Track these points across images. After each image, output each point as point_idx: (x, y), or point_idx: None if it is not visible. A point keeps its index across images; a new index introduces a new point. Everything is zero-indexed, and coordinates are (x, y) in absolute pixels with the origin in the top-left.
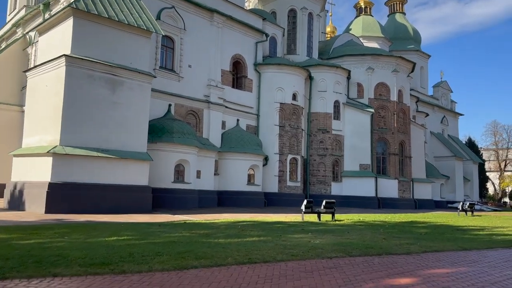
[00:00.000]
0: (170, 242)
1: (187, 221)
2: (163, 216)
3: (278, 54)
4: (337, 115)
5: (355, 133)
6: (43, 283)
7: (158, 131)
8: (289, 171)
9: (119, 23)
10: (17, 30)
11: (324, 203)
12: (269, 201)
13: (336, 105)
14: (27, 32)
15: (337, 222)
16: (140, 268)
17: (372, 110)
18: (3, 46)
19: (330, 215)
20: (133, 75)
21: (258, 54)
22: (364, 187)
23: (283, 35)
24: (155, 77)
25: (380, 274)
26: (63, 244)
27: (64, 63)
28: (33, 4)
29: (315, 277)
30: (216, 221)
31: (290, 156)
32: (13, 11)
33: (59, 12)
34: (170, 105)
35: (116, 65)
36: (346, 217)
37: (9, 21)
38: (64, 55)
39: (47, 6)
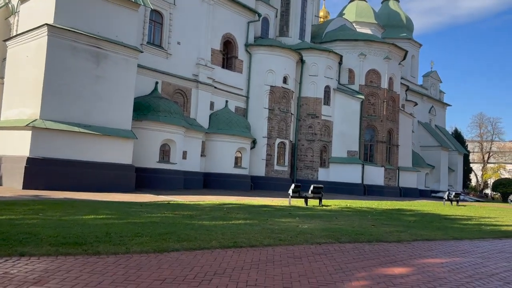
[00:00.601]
0: (151, 223)
1: (170, 202)
2: (146, 196)
3: (270, 36)
4: (327, 100)
5: (344, 119)
6: (8, 263)
7: (143, 108)
8: (277, 155)
9: None
10: None
11: (311, 188)
12: (256, 185)
13: (327, 90)
14: (10, 1)
15: (324, 207)
16: (116, 250)
17: (363, 97)
18: None
19: (317, 200)
20: (118, 49)
21: (249, 35)
22: (351, 174)
23: (276, 16)
24: (141, 51)
25: (372, 262)
26: (36, 222)
27: (46, 33)
28: None
29: (304, 263)
30: (201, 202)
31: (278, 140)
32: None
33: None
34: (157, 82)
35: (101, 38)
36: (333, 203)
37: None
38: (46, 24)
39: None
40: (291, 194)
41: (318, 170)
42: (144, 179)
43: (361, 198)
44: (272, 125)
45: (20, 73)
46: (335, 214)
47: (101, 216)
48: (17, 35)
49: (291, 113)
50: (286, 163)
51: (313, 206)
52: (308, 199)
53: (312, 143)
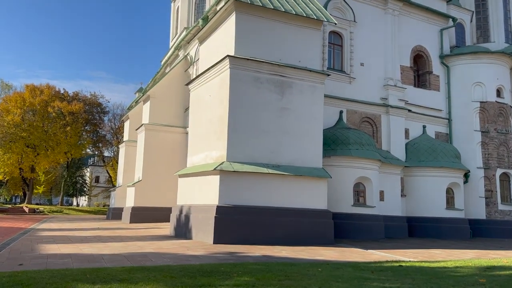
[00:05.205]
0: None
1: (402, 264)
2: (353, 251)
3: (466, 44)
4: None
5: None
6: None
7: (330, 142)
8: (500, 191)
9: (285, 15)
10: (179, 53)
11: None
12: (474, 231)
13: None
14: (188, 53)
15: None
16: None
17: None
18: (167, 71)
19: None
20: (303, 75)
21: (444, 44)
22: None
23: (471, 21)
24: (328, 75)
25: None
26: None
27: (228, 65)
28: (192, 24)
29: None
30: (443, 264)
31: (499, 171)
32: (175, 36)
33: (219, 11)
34: (341, 111)
35: (284, 64)
36: None
37: (172, 47)
38: (228, 56)
39: (205, 20)
40: None
41: None
42: (337, 226)
43: None
44: (489, 152)
45: (204, 114)
46: None
47: None
48: (198, 75)
49: None
50: None
51: None
52: None
53: None
